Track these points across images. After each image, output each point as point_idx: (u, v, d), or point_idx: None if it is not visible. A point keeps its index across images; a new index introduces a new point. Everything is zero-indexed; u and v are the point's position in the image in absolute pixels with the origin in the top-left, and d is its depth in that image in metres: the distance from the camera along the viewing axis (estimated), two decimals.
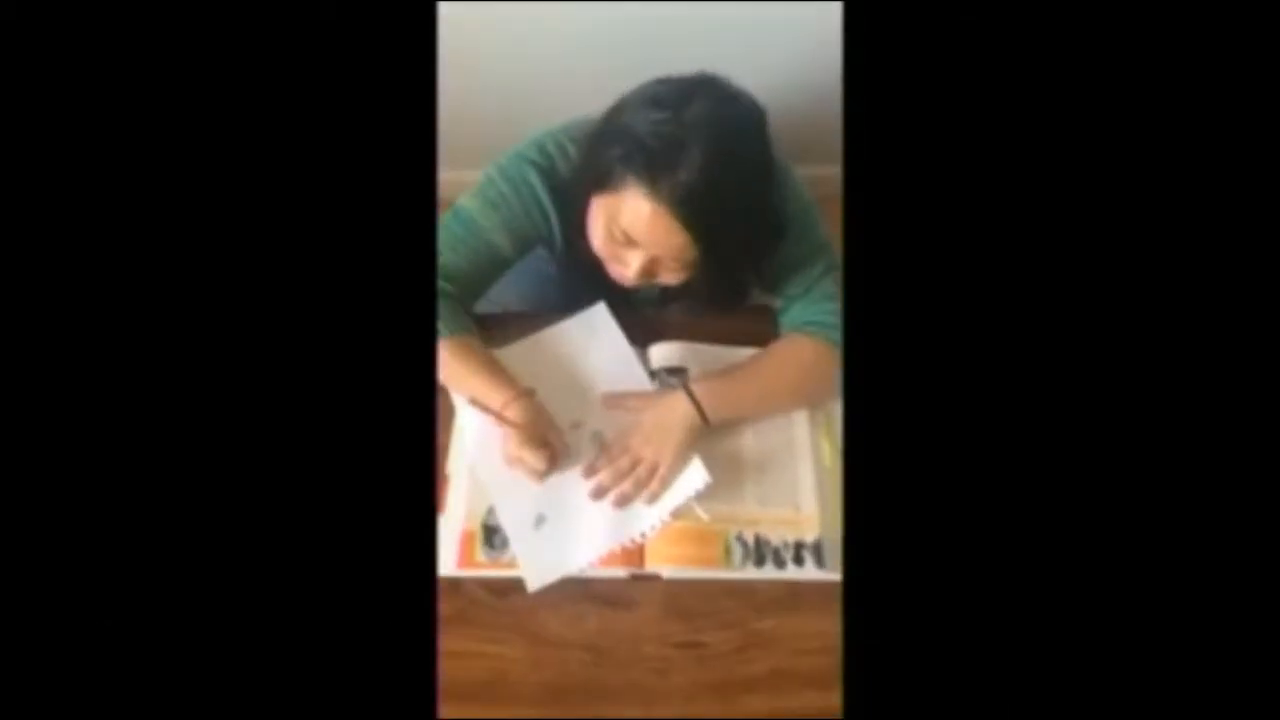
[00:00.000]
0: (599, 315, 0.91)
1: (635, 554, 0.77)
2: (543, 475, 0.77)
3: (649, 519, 0.79)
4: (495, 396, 0.79)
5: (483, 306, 0.90)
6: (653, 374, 0.88)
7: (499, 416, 0.78)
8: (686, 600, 0.75)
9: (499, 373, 0.82)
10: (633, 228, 0.73)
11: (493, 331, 0.88)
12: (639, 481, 0.79)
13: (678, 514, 0.79)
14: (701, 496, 0.79)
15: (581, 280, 0.88)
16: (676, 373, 0.88)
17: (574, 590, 0.75)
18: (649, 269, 0.77)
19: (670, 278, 0.78)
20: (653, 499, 0.79)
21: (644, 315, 0.92)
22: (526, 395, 0.80)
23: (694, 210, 0.70)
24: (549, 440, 0.79)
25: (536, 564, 0.75)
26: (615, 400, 0.85)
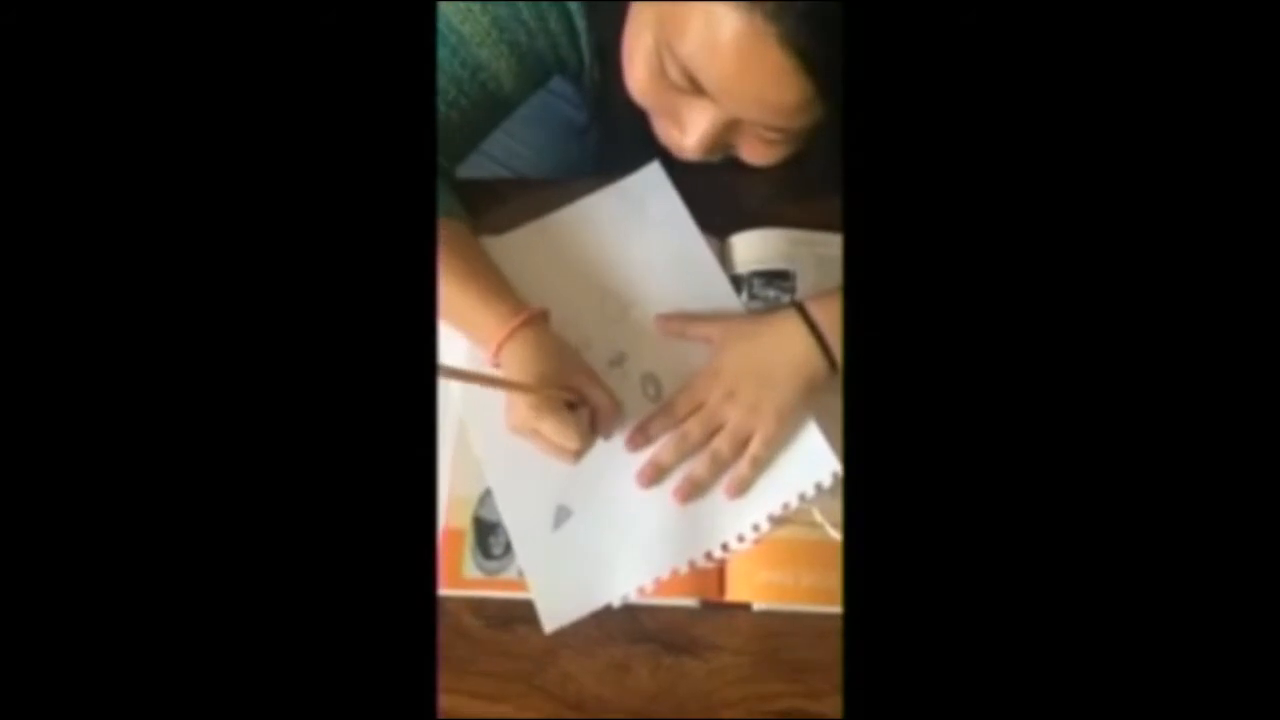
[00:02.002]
0: (651, 183, 0.69)
1: (712, 576, 0.61)
2: (578, 454, 0.58)
3: (735, 523, 0.61)
4: (488, 322, 0.59)
5: (468, 169, 0.71)
6: (738, 281, 0.67)
7: (492, 367, 0.58)
8: (792, 647, 0.60)
9: (494, 280, 0.62)
10: (702, 63, 0.47)
11: (484, 208, 0.70)
12: (718, 460, 0.61)
13: (781, 518, 0.61)
14: (823, 492, 0.60)
15: (623, 134, 0.66)
16: (777, 280, 0.67)
17: (617, 625, 0.59)
18: (723, 137, 0.53)
19: (759, 155, 0.55)
20: (741, 490, 0.61)
21: (723, 182, 0.70)
22: (538, 320, 0.59)
23: (826, 40, 0.43)
24: (583, 394, 0.59)
25: (557, 586, 0.59)
26: (679, 324, 0.65)
